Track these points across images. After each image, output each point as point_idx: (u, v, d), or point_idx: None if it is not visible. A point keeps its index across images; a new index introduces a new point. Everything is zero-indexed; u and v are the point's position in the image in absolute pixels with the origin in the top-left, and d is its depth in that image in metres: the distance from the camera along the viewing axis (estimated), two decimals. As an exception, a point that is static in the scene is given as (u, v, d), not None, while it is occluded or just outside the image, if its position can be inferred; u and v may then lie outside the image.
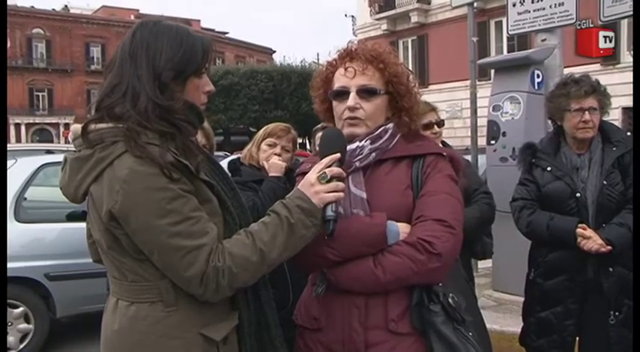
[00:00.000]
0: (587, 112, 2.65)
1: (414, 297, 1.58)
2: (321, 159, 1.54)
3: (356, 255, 1.57)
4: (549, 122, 3.00)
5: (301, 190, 1.50)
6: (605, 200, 2.62)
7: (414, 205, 1.62)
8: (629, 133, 2.74)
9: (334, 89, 1.71)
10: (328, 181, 1.49)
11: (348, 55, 1.71)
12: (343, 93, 1.68)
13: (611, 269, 2.61)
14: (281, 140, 2.98)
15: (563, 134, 2.81)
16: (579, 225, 2.59)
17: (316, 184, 1.49)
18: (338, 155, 1.53)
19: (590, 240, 2.54)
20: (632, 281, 2.55)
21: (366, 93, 1.67)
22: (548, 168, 2.75)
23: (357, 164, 1.64)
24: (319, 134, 3.54)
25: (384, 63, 1.69)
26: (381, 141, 1.67)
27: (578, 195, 2.65)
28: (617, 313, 2.62)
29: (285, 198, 1.51)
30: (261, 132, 3.06)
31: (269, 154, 2.94)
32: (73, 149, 1.47)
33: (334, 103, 1.73)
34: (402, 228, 1.58)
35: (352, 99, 1.66)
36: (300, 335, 1.74)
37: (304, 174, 1.75)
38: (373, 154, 1.66)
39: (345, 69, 1.69)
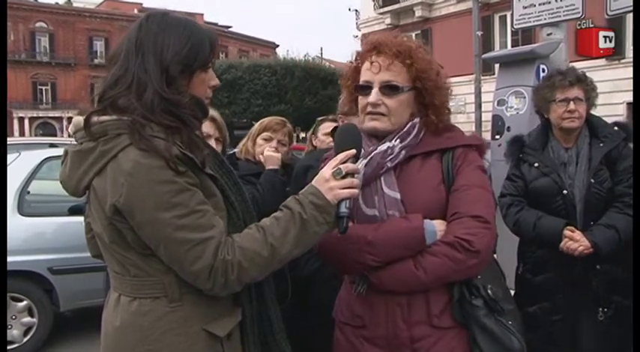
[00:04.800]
0: (572, 102, 2.62)
1: (455, 293, 1.62)
2: (337, 154, 1.52)
3: (396, 258, 1.58)
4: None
5: (315, 186, 1.46)
6: (594, 198, 2.59)
7: (447, 200, 1.62)
8: (615, 128, 2.70)
9: (358, 83, 1.70)
10: (343, 177, 1.45)
11: (375, 48, 1.67)
12: (367, 88, 1.67)
13: (598, 266, 2.58)
14: (277, 134, 2.97)
15: (550, 127, 2.78)
16: (567, 227, 2.56)
17: (331, 180, 1.45)
18: (353, 151, 1.50)
19: (576, 242, 2.51)
20: (620, 278, 2.55)
21: (389, 89, 1.64)
22: (536, 164, 2.72)
23: (389, 164, 1.62)
24: (323, 124, 3.53)
25: (411, 58, 1.64)
26: (410, 138, 1.66)
27: (565, 192, 2.62)
28: (605, 309, 2.59)
29: (298, 193, 1.48)
30: (256, 126, 3.03)
31: (265, 148, 2.91)
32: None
33: (359, 97, 1.71)
34: (439, 226, 1.59)
35: (374, 95, 1.64)
36: (340, 331, 1.76)
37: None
38: (403, 152, 1.65)
39: (371, 63, 1.66)
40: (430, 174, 1.65)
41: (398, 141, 1.65)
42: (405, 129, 1.66)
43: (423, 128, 1.69)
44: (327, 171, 1.47)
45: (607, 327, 2.59)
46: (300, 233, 1.41)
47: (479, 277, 1.62)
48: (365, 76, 1.68)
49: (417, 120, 1.68)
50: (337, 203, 1.44)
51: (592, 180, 2.59)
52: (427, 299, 1.61)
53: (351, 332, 1.72)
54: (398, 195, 1.61)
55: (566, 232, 2.54)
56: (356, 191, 1.47)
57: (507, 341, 1.59)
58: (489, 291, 1.61)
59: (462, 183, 1.62)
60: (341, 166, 1.46)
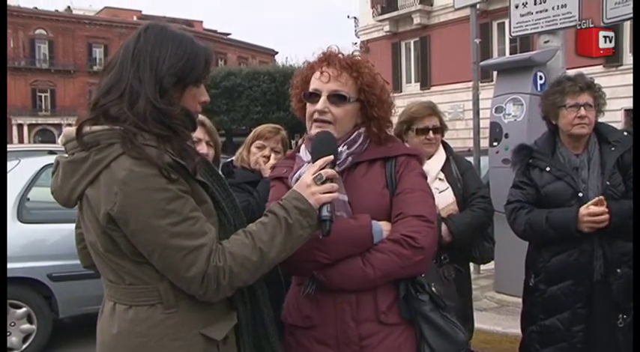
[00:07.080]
0: (582, 108, 2.61)
1: (402, 290, 1.69)
2: (314, 161, 1.60)
3: (345, 255, 1.65)
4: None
5: (298, 191, 1.53)
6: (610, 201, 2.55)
7: (391, 203, 1.72)
8: (625, 133, 2.69)
9: (307, 91, 1.78)
10: (323, 182, 1.53)
11: (325, 60, 1.78)
12: (315, 96, 1.76)
13: (619, 270, 2.54)
14: (269, 141, 2.95)
15: (558, 134, 2.76)
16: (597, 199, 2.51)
17: (312, 185, 1.53)
18: (331, 157, 1.60)
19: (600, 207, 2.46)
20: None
21: (336, 98, 1.74)
22: (547, 169, 2.68)
23: (336, 169, 1.68)
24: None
25: (358, 72, 1.75)
26: (356, 145, 1.77)
27: (580, 195, 2.58)
28: (625, 316, 2.54)
29: (281, 199, 1.53)
30: (251, 134, 3.03)
31: (258, 157, 2.91)
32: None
33: (307, 104, 1.79)
34: (384, 226, 1.69)
35: (322, 103, 1.74)
36: (290, 334, 1.80)
37: (279, 178, 1.85)
38: (350, 158, 1.76)
39: (321, 73, 1.75)
40: (375, 180, 1.76)
41: (345, 147, 1.75)
42: (352, 136, 1.77)
43: (369, 138, 1.81)
44: (308, 177, 1.55)
45: (626, 334, 2.52)
46: (286, 237, 1.46)
47: (422, 276, 1.71)
48: (314, 85, 1.77)
49: (362, 129, 1.79)
50: (319, 207, 1.51)
51: (607, 183, 2.57)
52: (375, 297, 1.68)
53: (301, 334, 1.76)
54: (346, 198, 1.69)
55: (597, 200, 2.49)
56: (336, 195, 1.57)
57: (453, 334, 1.68)
58: (433, 288, 1.71)
59: (405, 187, 1.73)
60: (321, 172, 1.54)
